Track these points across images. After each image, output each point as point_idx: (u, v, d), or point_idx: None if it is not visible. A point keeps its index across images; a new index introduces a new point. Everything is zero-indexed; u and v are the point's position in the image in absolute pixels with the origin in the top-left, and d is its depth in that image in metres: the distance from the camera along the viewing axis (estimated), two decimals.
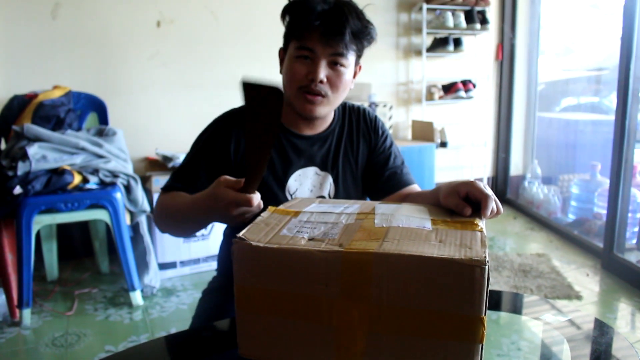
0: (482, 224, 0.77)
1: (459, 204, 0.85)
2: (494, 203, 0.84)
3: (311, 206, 0.88)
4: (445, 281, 0.61)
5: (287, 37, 1.16)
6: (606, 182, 3.14)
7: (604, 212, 3.00)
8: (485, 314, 0.61)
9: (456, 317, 0.61)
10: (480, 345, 0.61)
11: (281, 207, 0.87)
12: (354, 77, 1.20)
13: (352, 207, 0.87)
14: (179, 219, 1.08)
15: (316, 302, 0.67)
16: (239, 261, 0.70)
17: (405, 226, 0.74)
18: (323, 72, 1.10)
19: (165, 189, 1.17)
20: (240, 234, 0.71)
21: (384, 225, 0.74)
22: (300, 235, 0.71)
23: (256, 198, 0.85)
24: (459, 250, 0.63)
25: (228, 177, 0.89)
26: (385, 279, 0.63)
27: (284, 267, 0.68)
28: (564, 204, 3.81)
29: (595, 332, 0.99)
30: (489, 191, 0.85)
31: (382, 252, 0.63)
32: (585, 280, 2.70)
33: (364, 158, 1.29)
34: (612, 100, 3.55)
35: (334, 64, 1.12)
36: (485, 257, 0.61)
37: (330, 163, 1.25)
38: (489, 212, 0.83)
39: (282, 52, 1.20)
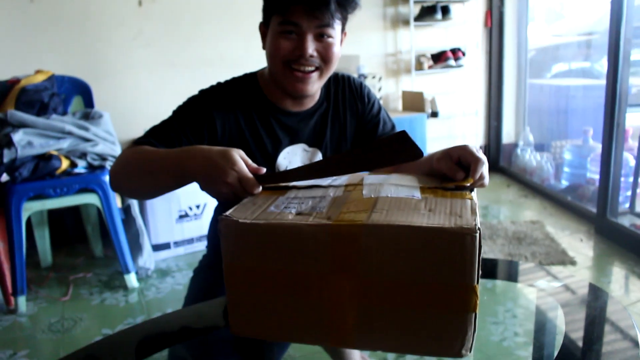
0: (473, 193, 0.76)
1: (451, 167, 0.83)
2: (484, 167, 0.83)
3: None
4: (435, 250, 0.60)
5: (268, 11, 1.10)
6: (598, 147, 3.13)
7: (597, 177, 3.00)
8: (478, 283, 0.60)
9: (448, 287, 0.60)
10: (474, 314, 0.61)
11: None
12: (341, 44, 1.16)
13: (340, 178, 0.86)
14: (149, 168, 0.96)
15: (306, 277, 0.66)
16: (226, 239, 0.69)
17: (393, 196, 0.72)
18: (311, 47, 1.05)
19: (138, 143, 1.05)
20: (227, 213, 0.70)
21: (372, 196, 0.73)
22: (287, 211, 0.70)
23: (257, 190, 0.81)
24: (449, 218, 0.62)
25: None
26: (375, 251, 0.62)
27: (272, 243, 0.66)
28: (557, 171, 3.81)
29: (590, 297, 0.99)
30: (480, 155, 0.83)
31: (371, 224, 0.62)
32: (579, 246, 2.72)
33: (352, 129, 1.26)
34: (603, 65, 3.52)
35: (320, 37, 1.07)
36: (475, 224, 0.59)
37: (318, 138, 1.22)
38: (477, 175, 0.82)
39: (263, 27, 1.13)
